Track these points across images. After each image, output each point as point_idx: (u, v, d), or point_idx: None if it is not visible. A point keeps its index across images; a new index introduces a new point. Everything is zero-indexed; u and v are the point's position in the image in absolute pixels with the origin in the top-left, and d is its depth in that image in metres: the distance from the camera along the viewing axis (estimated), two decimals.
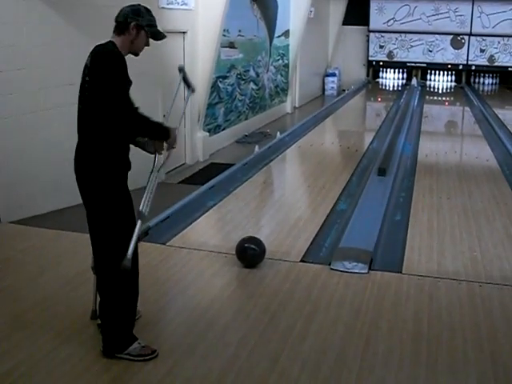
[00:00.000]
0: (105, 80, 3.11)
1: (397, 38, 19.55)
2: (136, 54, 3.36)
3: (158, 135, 3.41)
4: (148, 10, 3.36)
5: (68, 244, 5.10)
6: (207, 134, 9.22)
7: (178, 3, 7.93)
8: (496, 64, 19.04)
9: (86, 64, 3.21)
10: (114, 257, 3.25)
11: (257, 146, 9.09)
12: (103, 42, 3.31)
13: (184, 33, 8.20)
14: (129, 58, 3.27)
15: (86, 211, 3.31)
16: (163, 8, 7.51)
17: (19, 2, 5.51)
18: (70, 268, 4.57)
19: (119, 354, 3.34)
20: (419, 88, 18.31)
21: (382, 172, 7.71)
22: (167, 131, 3.40)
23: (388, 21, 19.39)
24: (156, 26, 3.38)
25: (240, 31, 10.58)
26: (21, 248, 5.03)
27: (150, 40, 3.39)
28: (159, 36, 3.40)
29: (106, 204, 3.22)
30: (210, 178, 7.29)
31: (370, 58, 19.97)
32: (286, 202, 6.95)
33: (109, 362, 3.32)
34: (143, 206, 3.30)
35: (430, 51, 19.38)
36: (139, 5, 3.36)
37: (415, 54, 19.53)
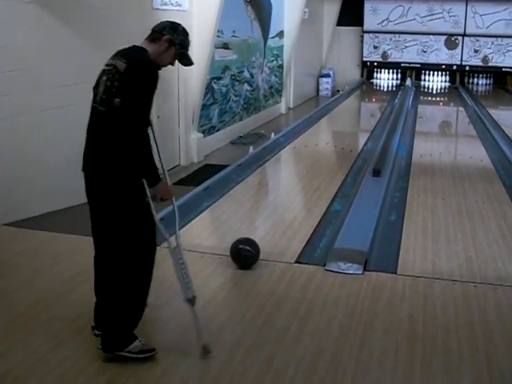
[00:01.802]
0: (136, 88, 3.09)
1: (391, 39, 19.58)
2: (158, 68, 3.29)
3: (145, 174, 3.22)
4: (186, 32, 3.37)
5: (63, 246, 5.08)
6: (201, 135, 9.20)
7: (172, 4, 7.93)
8: (490, 64, 19.09)
9: (114, 69, 3.12)
10: (130, 259, 3.29)
11: (251, 147, 9.08)
12: (130, 46, 3.24)
13: None
14: None
15: (93, 213, 3.29)
16: (157, 9, 7.51)
17: (13, 3, 5.49)
18: (65, 270, 4.56)
19: (119, 351, 3.32)
20: (413, 88, 18.34)
21: (376, 172, 7.71)
22: (156, 178, 3.24)
23: (382, 21, 19.42)
24: (187, 50, 3.38)
25: (234, 32, 10.57)
26: (16, 250, 5.01)
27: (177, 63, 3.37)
28: (186, 59, 3.38)
29: (125, 207, 3.21)
30: (204, 180, 7.27)
31: (365, 59, 19.99)
32: (280, 203, 6.95)
33: (103, 364, 3.31)
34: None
35: (424, 52, 19.42)
36: (180, 24, 3.37)
37: (409, 55, 19.56)
